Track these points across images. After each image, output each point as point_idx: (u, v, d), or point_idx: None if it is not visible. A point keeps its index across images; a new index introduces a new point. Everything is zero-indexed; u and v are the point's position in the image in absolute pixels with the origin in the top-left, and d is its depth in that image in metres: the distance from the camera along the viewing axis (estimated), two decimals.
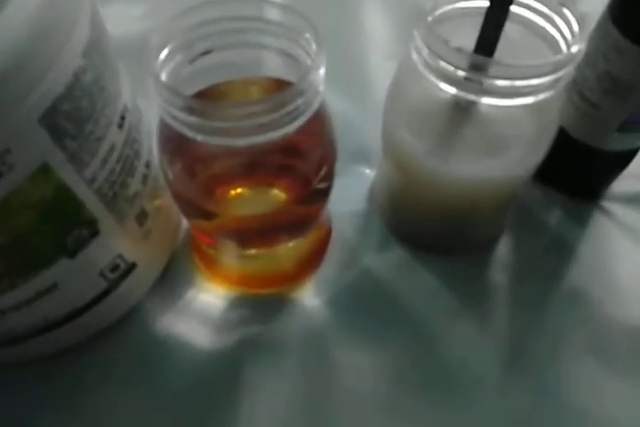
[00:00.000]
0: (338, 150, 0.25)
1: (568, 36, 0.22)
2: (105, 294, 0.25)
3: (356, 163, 0.34)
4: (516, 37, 0.24)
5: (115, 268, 0.24)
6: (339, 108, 0.35)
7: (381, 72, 0.38)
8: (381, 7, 0.42)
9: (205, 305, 0.29)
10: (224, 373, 0.27)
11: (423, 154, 0.25)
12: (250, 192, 0.26)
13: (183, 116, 0.19)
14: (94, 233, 0.21)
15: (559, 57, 0.21)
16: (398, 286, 0.29)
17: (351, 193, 0.33)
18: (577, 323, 0.28)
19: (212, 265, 0.29)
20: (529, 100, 0.21)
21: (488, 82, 0.20)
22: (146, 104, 0.25)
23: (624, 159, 0.30)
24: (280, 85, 0.24)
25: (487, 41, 0.23)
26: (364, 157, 0.34)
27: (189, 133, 0.19)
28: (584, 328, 0.28)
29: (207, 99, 0.24)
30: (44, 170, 0.17)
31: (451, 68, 0.21)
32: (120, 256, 0.24)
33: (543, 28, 0.23)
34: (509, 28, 0.23)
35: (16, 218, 0.18)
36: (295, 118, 0.20)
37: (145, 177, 0.24)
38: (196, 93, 0.23)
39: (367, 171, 0.34)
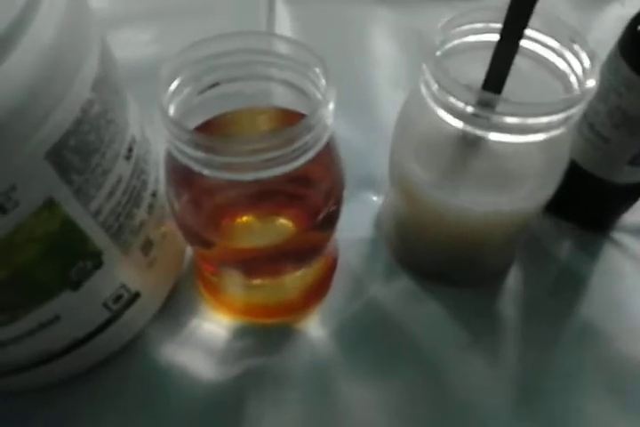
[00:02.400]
0: (345, 177, 0.25)
1: (579, 71, 0.22)
2: (107, 323, 0.24)
3: (363, 189, 0.34)
4: (527, 71, 0.23)
5: (118, 298, 0.24)
6: (346, 135, 0.35)
7: (389, 98, 0.38)
8: (389, 35, 0.42)
9: (209, 335, 0.28)
10: (227, 403, 0.26)
11: (430, 186, 0.25)
12: (256, 222, 0.26)
13: (190, 150, 0.19)
14: (98, 265, 0.21)
15: (570, 95, 0.20)
16: (405, 318, 0.29)
17: (358, 220, 0.33)
18: (589, 359, 0.28)
19: (216, 293, 0.29)
20: (539, 137, 0.21)
21: (496, 118, 0.20)
22: (154, 131, 0.25)
23: (635, 191, 0.30)
24: (288, 115, 0.24)
25: (496, 74, 0.22)
26: (371, 183, 0.34)
27: (196, 167, 0.19)
28: (596, 364, 0.28)
29: (215, 128, 0.24)
30: (50, 205, 0.17)
31: (459, 104, 0.21)
32: (124, 286, 0.24)
33: (553, 63, 0.23)
34: (520, 62, 0.22)
35: (20, 253, 0.18)
36: (304, 153, 0.20)
37: (151, 207, 0.24)
38: (204, 123, 0.23)
39: (374, 198, 0.34)
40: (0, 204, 0.15)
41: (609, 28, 0.40)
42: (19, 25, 0.14)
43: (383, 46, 0.41)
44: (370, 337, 0.28)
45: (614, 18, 0.42)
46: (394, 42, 0.41)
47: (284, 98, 0.23)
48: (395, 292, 0.30)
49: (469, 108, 0.20)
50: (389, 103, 0.38)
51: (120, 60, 0.23)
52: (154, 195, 0.25)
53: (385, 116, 0.37)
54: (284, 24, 0.42)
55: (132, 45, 0.40)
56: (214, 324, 0.29)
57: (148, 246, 0.25)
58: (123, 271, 0.23)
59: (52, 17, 0.15)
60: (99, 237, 0.21)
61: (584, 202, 0.31)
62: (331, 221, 0.25)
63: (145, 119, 0.25)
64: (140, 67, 0.36)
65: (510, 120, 0.20)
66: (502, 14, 0.21)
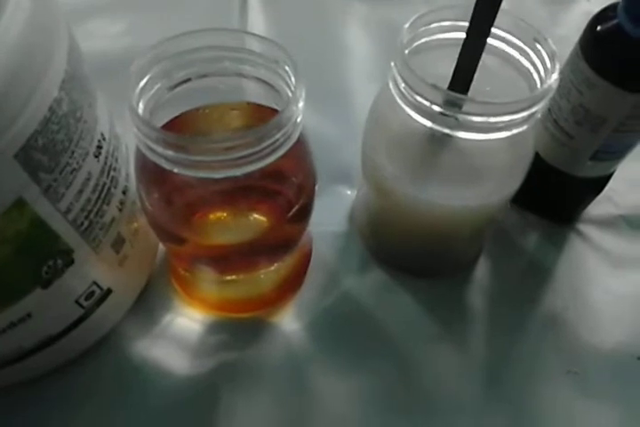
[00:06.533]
0: (319, 171, 0.25)
1: (541, 70, 0.22)
2: (80, 320, 0.24)
3: (337, 183, 0.34)
4: (495, 68, 0.24)
5: (90, 295, 0.24)
6: (320, 128, 0.35)
7: (363, 92, 0.38)
8: (364, 28, 0.42)
9: (183, 329, 0.28)
10: (201, 397, 0.27)
11: (400, 180, 0.26)
12: (229, 218, 0.26)
13: (160, 149, 0.19)
14: (69, 263, 0.21)
15: (532, 95, 0.21)
16: (377, 310, 0.30)
17: (332, 214, 0.33)
18: (552, 346, 0.29)
19: (189, 289, 0.29)
20: (503, 134, 0.21)
21: (463, 117, 0.21)
22: (123, 127, 0.25)
23: (597, 185, 0.31)
24: (259, 110, 0.24)
25: (464, 71, 0.23)
26: (345, 177, 0.35)
27: (166, 166, 0.19)
28: (559, 351, 0.29)
29: (187, 123, 0.24)
30: (19, 204, 0.17)
31: (426, 103, 0.21)
32: (95, 283, 0.24)
33: (518, 61, 0.23)
34: (487, 60, 0.23)
35: None
36: (275, 150, 0.20)
37: (122, 203, 0.24)
38: (175, 118, 0.23)
39: (348, 192, 0.34)
40: None
41: (575, 23, 0.41)
42: None
43: (357, 39, 0.41)
44: (343, 330, 0.29)
45: (580, 14, 0.43)
46: (368, 35, 0.42)
47: (255, 93, 0.23)
48: (368, 284, 0.30)
49: (436, 108, 0.21)
50: (363, 97, 0.38)
51: (88, 53, 0.22)
52: (124, 192, 0.25)
53: (359, 109, 0.37)
54: (258, 16, 0.42)
55: (100, 37, 0.40)
56: (188, 319, 0.29)
57: (119, 243, 0.25)
58: (94, 269, 0.23)
59: (18, 17, 0.15)
60: (69, 236, 0.20)
61: (549, 195, 0.32)
62: (304, 214, 0.26)
63: (115, 114, 0.25)
64: (110, 59, 0.36)
65: (476, 119, 0.21)
66: (469, 12, 0.21)
